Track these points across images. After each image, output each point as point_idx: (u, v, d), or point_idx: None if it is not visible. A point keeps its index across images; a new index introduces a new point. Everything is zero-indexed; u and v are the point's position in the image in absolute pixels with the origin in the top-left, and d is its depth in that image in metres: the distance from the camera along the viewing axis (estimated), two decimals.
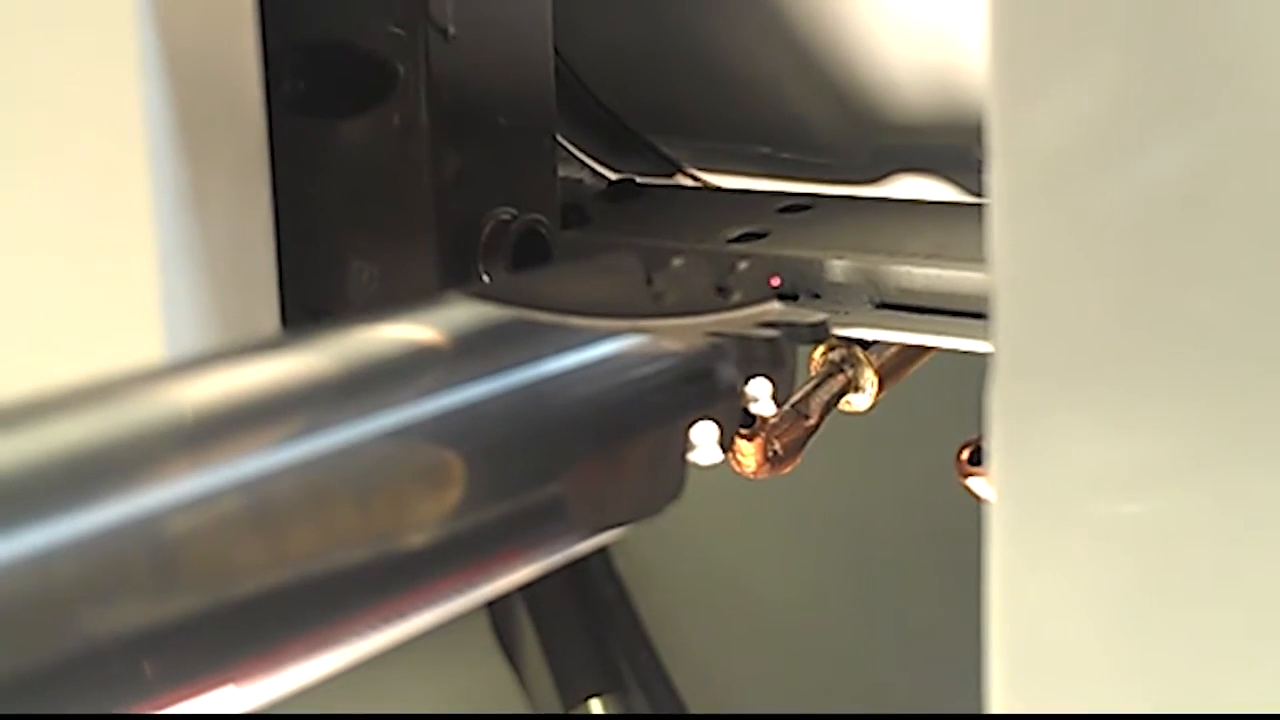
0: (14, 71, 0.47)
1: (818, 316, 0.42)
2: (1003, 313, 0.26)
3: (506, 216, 0.52)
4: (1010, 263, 0.26)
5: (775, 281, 0.49)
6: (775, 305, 0.41)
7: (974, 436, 0.46)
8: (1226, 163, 0.23)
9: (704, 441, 0.35)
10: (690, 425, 0.34)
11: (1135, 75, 0.24)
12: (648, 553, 1.19)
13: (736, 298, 0.40)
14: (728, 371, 0.35)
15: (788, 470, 0.49)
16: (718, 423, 0.35)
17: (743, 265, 0.41)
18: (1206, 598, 0.25)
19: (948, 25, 0.56)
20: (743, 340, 0.36)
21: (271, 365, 0.28)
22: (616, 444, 0.32)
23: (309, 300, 0.52)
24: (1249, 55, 0.23)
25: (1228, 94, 0.23)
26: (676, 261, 0.39)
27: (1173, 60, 0.24)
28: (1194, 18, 0.23)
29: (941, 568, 0.88)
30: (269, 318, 0.46)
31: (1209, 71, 0.23)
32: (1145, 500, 0.25)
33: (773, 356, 0.37)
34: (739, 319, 0.39)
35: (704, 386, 0.35)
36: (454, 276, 0.51)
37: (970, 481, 0.46)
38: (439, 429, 0.28)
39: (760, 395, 0.37)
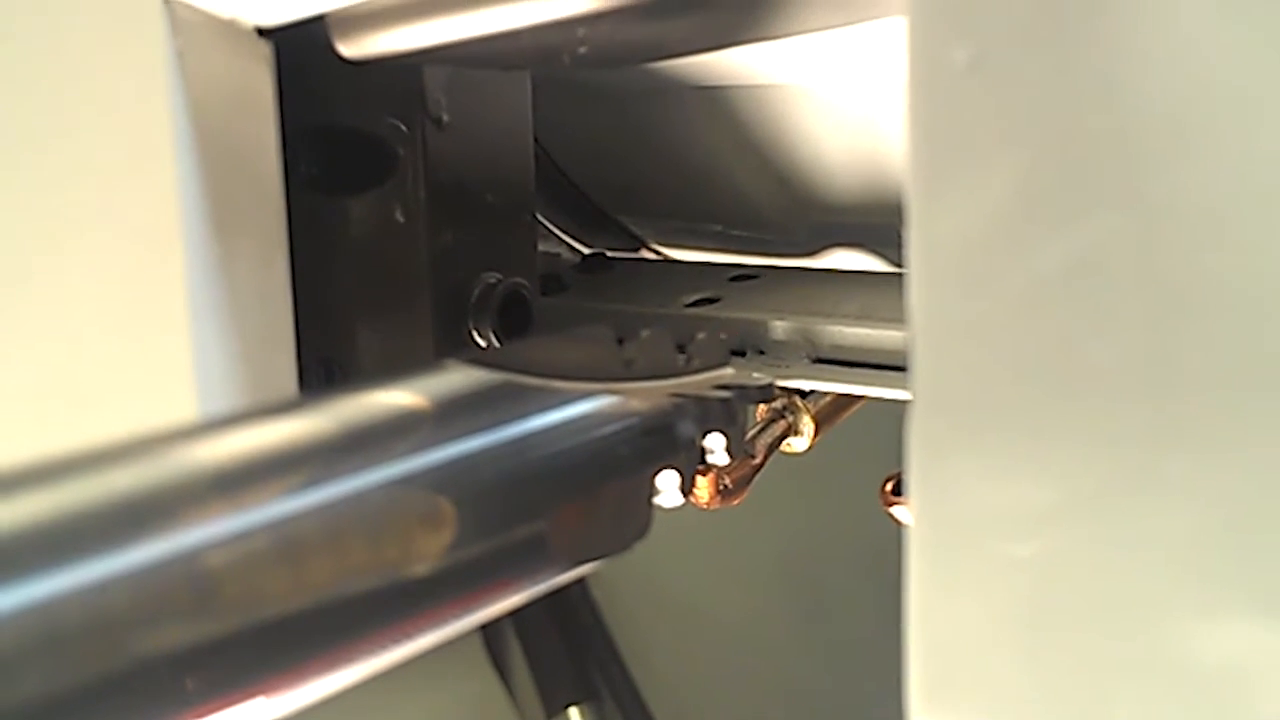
0: (67, 155, 0.47)
1: (764, 380, 0.42)
2: (918, 367, 0.26)
3: (493, 280, 0.53)
4: (925, 324, 0.26)
5: (723, 336, 0.50)
6: (728, 370, 0.41)
7: (896, 471, 0.46)
8: (1111, 246, 0.23)
9: (667, 487, 0.35)
10: (655, 473, 0.34)
11: (1033, 170, 0.24)
12: (619, 582, 1.21)
13: (695, 364, 0.40)
14: (687, 428, 0.35)
15: (736, 502, 0.49)
16: (679, 471, 0.35)
17: (700, 336, 0.41)
18: (1091, 625, 0.25)
19: (875, 119, 0.56)
20: (700, 401, 0.37)
21: (290, 424, 0.28)
22: (592, 489, 0.32)
23: (322, 353, 0.52)
24: (1132, 155, 0.23)
25: (1112, 189, 0.23)
26: (644, 332, 0.39)
27: (1067, 159, 0.24)
28: (1085, 123, 0.24)
29: (871, 589, 0.88)
30: (287, 369, 0.46)
31: (1097, 169, 0.24)
32: (1033, 540, 0.25)
33: (726, 414, 0.37)
34: (697, 382, 0.39)
35: (667, 440, 0.35)
36: (447, 331, 0.51)
37: (893, 509, 0.47)
38: (435, 478, 0.28)
39: (716, 448, 0.37)
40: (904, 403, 0.27)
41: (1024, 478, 0.25)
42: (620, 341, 0.39)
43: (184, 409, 0.43)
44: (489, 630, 1.20)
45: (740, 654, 1.15)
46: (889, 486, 0.48)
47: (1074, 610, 0.25)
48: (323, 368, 0.52)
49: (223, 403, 0.44)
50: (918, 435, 0.26)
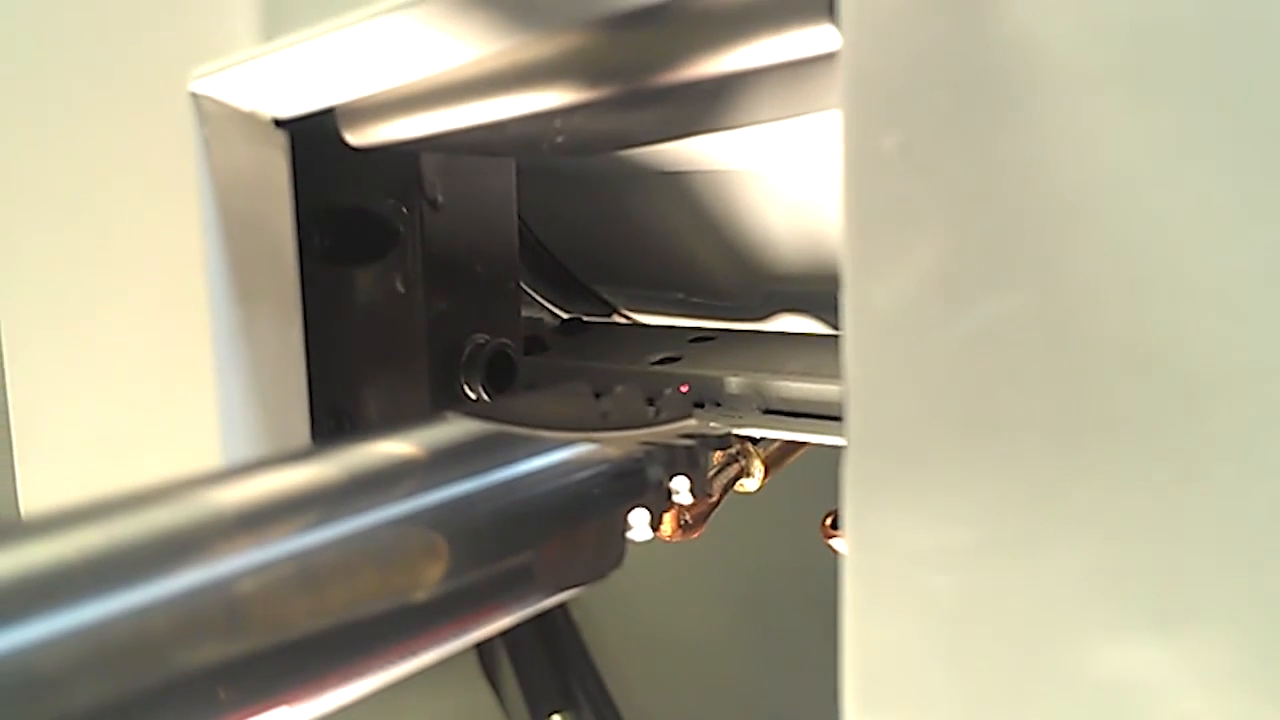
0: (109, 230, 0.47)
1: (722, 429, 0.42)
2: (852, 417, 0.26)
3: (481, 341, 0.53)
4: (858, 380, 0.26)
5: (684, 388, 0.50)
6: (691, 421, 0.41)
7: (833, 508, 0.46)
8: (1019, 313, 0.24)
9: (638, 524, 0.35)
10: (628, 512, 0.34)
11: (952, 246, 0.24)
12: (596, 606, 1.21)
13: (663, 415, 0.40)
14: (656, 472, 0.35)
15: (696, 535, 0.49)
16: (649, 509, 0.35)
17: (668, 392, 0.41)
18: (1004, 645, 0.25)
19: (815, 201, 0.56)
20: (667, 448, 0.37)
21: (307, 469, 0.28)
22: (573, 525, 0.32)
23: (332, 404, 0.52)
24: (1038, 234, 0.23)
25: (1020, 263, 0.23)
26: (618, 389, 0.39)
27: (981, 236, 0.24)
28: (998, 205, 0.24)
29: (813, 610, 0.87)
30: (301, 419, 0.46)
31: (1007, 246, 0.24)
32: (953, 571, 0.25)
33: (690, 460, 0.37)
34: (665, 432, 0.39)
35: (638, 483, 0.35)
36: (441, 385, 0.51)
37: (831, 541, 0.46)
38: (434, 516, 0.28)
39: (681, 489, 0.37)
40: (840, 448, 0.27)
41: (944, 515, 0.25)
42: (597, 396, 0.39)
43: (210, 455, 0.43)
44: (482, 646, 1.20)
45: (699, 666, 1.15)
46: (828, 521, 0.48)
47: (989, 632, 0.25)
48: (333, 417, 0.52)
49: (244, 449, 0.43)
50: (851, 477, 0.26)
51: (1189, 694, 0.23)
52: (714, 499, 0.49)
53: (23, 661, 0.20)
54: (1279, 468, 0.21)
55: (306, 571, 0.25)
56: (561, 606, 1.19)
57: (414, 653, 0.27)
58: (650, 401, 0.41)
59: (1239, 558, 0.22)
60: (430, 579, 0.28)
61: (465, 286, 0.52)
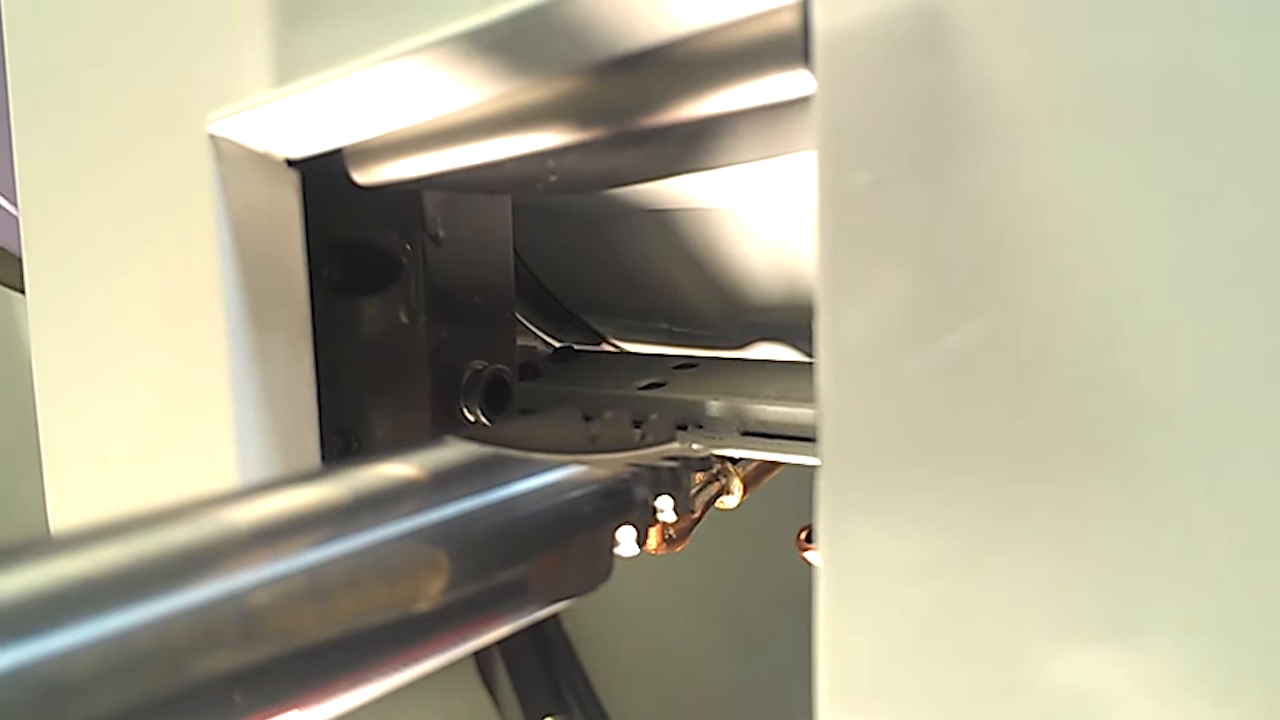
0: (132, 263, 0.47)
1: (704, 451, 0.42)
2: (825, 439, 0.26)
3: (479, 367, 0.53)
4: (830, 404, 0.26)
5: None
6: (675, 445, 0.41)
7: (808, 523, 0.46)
8: (982, 342, 0.24)
9: (626, 540, 0.35)
10: (616, 529, 0.34)
11: (919, 279, 0.24)
12: (587, 616, 1.21)
13: (649, 439, 0.40)
14: (642, 491, 0.35)
15: (679, 549, 0.49)
16: (635, 526, 0.35)
17: (653, 417, 0.41)
18: (969, 653, 0.25)
19: (792, 238, 0.56)
20: (653, 469, 0.36)
21: (317, 489, 0.28)
22: (564, 542, 0.32)
23: (340, 426, 0.52)
24: (998, 268, 0.23)
25: (982, 296, 0.24)
26: (606, 414, 0.39)
27: (946, 270, 0.24)
28: (961, 240, 0.24)
29: (791, 618, 0.87)
30: (311, 440, 0.46)
31: (970, 279, 0.24)
32: (920, 584, 0.25)
33: (674, 480, 0.37)
34: (650, 454, 0.39)
35: (625, 502, 0.35)
36: (442, 408, 0.51)
37: (806, 555, 0.46)
38: (434, 532, 0.28)
39: (665, 508, 0.37)
40: (814, 468, 0.27)
41: (911, 531, 0.25)
42: (587, 420, 0.39)
43: (226, 473, 0.43)
44: (480, 654, 1.20)
45: (682, 671, 1.15)
46: (803, 535, 0.48)
47: (955, 640, 0.25)
48: (341, 439, 0.52)
49: (259, 467, 0.43)
50: (824, 495, 0.26)
51: (1142, 699, 0.23)
52: (696, 515, 0.49)
53: (51, 668, 0.20)
54: (1221, 487, 0.22)
55: (316, 584, 0.25)
56: (554, 617, 1.19)
57: (417, 660, 0.27)
58: (637, 425, 0.41)
59: (1187, 572, 0.22)
60: (432, 591, 0.28)
61: (465, 316, 0.52)
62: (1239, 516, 0.22)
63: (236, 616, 0.23)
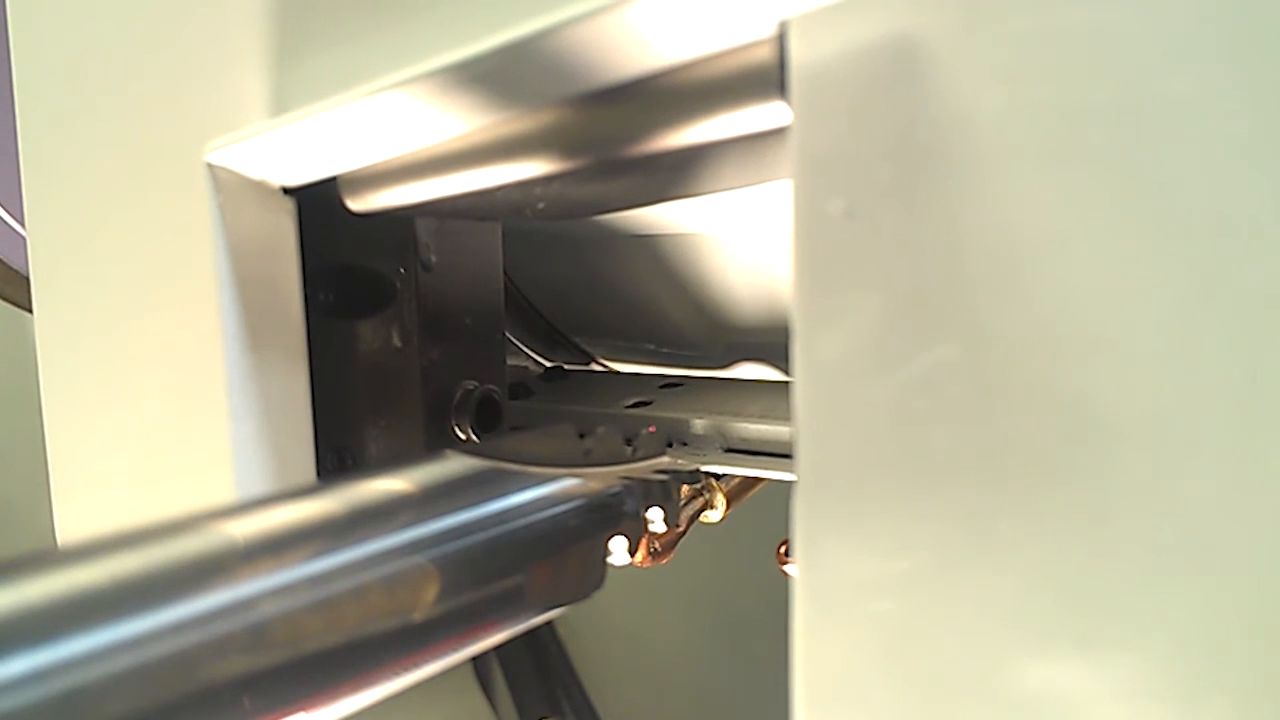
0: (134, 289, 0.48)
1: (692, 467, 0.42)
2: (801, 456, 0.26)
3: (470, 387, 0.53)
4: (806, 423, 0.26)
5: (652, 429, 0.50)
6: (664, 459, 0.41)
7: (787, 537, 0.45)
8: (950, 363, 0.24)
9: (617, 550, 0.35)
10: (608, 539, 0.34)
11: (891, 302, 0.24)
12: (580, 622, 1.22)
13: (640, 454, 0.41)
14: (633, 503, 0.35)
15: (665, 561, 0.49)
16: (626, 537, 0.35)
17: (643, 433, 0.41)
18: (938, 662, 0.25)
19: (773, 262, 0.57)
20: (644, 482, 0.37)
21: (319, 503, 0.29)
22: (559, 551, 0.32)
23: (335, 444, 0.52)
24: (966, 293, 0.23)
25: (950, 318, 0.24)
26: (599, 429, 0.39)
27: (916, 293, 0.24)
28: (931, 266, 0.24)
29: (772, 623, 0.87)
30: (307, 457, 0.46)
31: (939, 303, 0.24)
32: (892, 597, 0.25)
33: (664, 493, 0.37)
34: (641, 468, 0.39)
35: (617, 513, 0.35)
36: (434, 426, 0.51)
37: (786, 568, 0.46)
38: (432, 543, 0.29)
39: (655, 519, 0.37)
40: (793, 483, 0.27)
41: (884, 544, 0.25)
42: (581, 436, 0.39)
43: (224, 488, 0.43)
44: (477, 659, 1.20)
45: (671, 675, 1.15)
46: (782, 549, 0.48)
47: (926, 650, 0.25)
48: (335, 455, 0.52)
49: (256, 484, 0.43)
50: (801, 510, 0.26)
51: (1106, 706, 0.23)
52: (681, 529, 0.49)
53: (70, 674, 0.20)
54: (1181, 503, 0.22)
55: (320, 594, 0.25)
56: (549, 623, 1.19)
57: (417, 665, 0.27)
58: (628, 441, 0.40)
59: (1148, 583, 0.22)
60: (431, 599, 0.28)
61: (456, 338, 0.52)
62: (1198, 530, 0.22)
63: (245, 624, 0.23)
